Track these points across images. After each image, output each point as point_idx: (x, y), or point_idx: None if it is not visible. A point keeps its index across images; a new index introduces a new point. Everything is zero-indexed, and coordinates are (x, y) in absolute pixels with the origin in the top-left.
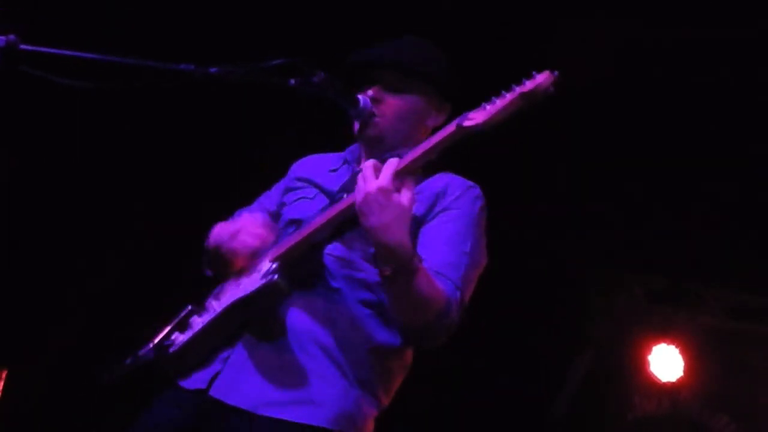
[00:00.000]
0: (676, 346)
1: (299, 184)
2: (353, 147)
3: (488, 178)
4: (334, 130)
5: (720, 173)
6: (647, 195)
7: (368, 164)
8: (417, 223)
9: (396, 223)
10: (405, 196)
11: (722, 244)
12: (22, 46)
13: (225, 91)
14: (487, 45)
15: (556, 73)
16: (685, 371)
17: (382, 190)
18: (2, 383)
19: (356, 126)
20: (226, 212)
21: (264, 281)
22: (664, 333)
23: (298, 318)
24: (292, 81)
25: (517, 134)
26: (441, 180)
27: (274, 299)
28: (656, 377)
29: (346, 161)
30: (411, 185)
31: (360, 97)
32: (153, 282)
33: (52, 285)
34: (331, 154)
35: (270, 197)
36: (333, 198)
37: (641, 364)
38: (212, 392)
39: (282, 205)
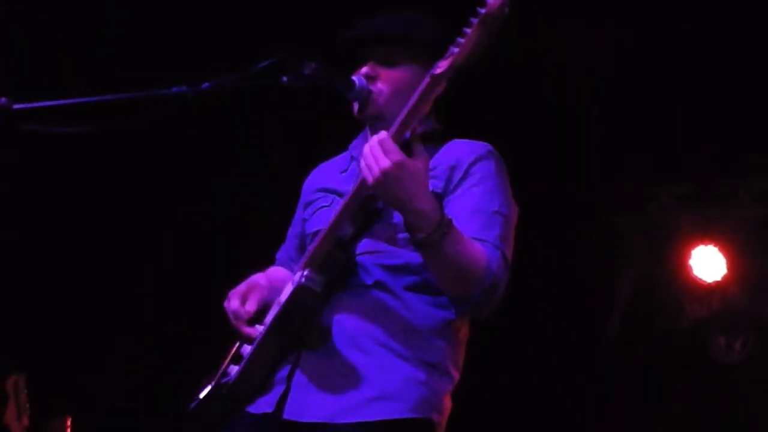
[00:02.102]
0: (715, 245)
1: (316, 195)
2: (356, 141)
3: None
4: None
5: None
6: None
7: (372, 144)
8: (439, 199)
9: (421, 188)
10: (419, 160)
11: (738, 135)
12: (16, 107)
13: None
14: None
15: None
16: (728, 268)
17: (396, 163)
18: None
19: (356, 108)
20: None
21: (294, 287)
22: (701, 235)
23: (347, 320)
24: (285, 78)
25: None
26: (451, 150)
27: (311, 303)
28: (701, 280)
29: (353, 158)
30: (420, 148)
31: (355, 78)
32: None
33: (108, 331)
34: (337, 158)
35: (295, 225)
36: None
37: (684, 270)
38: (286, 416)
39: (304, 221)
